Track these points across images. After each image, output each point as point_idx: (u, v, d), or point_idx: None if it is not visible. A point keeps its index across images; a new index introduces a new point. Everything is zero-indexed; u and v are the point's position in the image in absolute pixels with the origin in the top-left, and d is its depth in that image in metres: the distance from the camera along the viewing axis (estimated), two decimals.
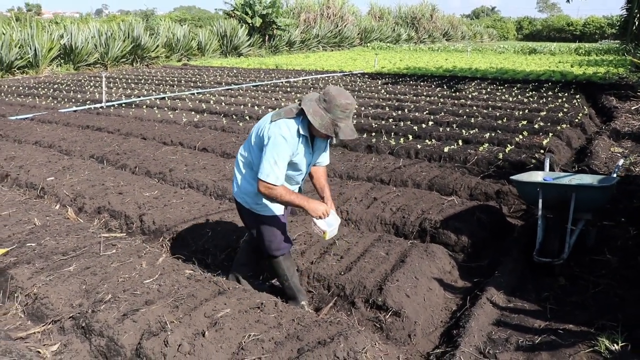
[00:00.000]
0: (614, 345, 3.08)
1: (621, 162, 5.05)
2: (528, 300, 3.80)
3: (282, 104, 12.32)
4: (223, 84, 17.36)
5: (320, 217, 3.38)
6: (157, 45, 27.32)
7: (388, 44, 44.99)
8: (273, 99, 13.49)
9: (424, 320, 3.63)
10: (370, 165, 6.95)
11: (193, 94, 14.98)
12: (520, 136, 8.39)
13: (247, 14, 34.17)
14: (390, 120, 10.26)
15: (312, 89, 15.03)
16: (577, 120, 9.86)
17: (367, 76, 19.37)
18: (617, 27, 32.84)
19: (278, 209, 3.57)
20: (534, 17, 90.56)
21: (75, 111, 12.17)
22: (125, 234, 5.04)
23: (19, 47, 21.49)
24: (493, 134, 8.55)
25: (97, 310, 3.36)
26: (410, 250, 4.29)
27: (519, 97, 13.15)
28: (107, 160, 7.56)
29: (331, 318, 3.38)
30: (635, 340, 3.12)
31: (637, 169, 6.99)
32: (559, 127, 8.97)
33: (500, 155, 7.10)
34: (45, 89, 16.28)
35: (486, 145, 7.85)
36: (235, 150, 7.83)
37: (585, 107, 11.51)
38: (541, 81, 16.76)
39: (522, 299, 3.81)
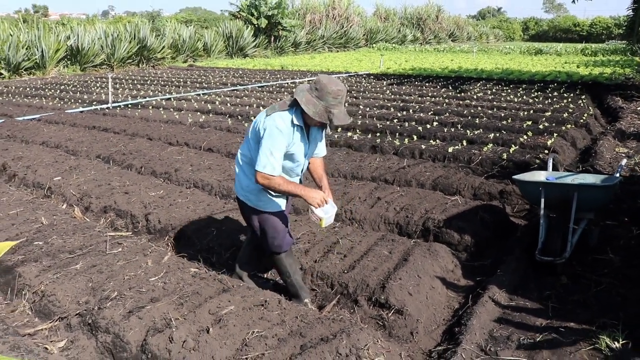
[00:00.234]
0: (614, 343, 3.10)
1: (624, 161, 5.06)
2: (530, 298, 3.82)
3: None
4: (229, 84, 17.43)
5: (318, 205, 3.42)
6: (163, 47, 27.44)
7: (394, 45, 45.01)
8: (278, 99, 13.53)
9: (427, 318, 3.66)
10: (374, 165, 6.98)
11: (199, 94, 15.05)
12: (525, 136, 8.41)
13: (252, 15, 34.26)
14: (395, 120, 10.29)
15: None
16: (582, 120, 9.86)
17: (372, 77, 19.40)
18: (623, 28, 32.73)
19: (280, 205, 3.61)
20: (540, 17, 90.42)
21: (81, 112, 12.25)
22: (131, 233, 5.10)
23: (26, 49, 21.64)
24: (497, 135, 8.56)
25: (103, 307, 3.41)
26: (413, 249, 4.32)
27: (524, 97, 13.15)
28: (113, 160, 7.62)
29: (334, 315, 3.42)
30: (636, 338, 3.13)
31: None
32: (563, 128, 8.98)
33: (505, 156, 7.12)
34: (52, 90, 16.39)
35: (490, 145, 7.86)
36: None
37: (590, 108, 11.50)
38: (547, 82, 16.74)
39: (524, 298, 3.84)
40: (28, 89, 16.99)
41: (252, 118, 10.81)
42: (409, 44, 48.53)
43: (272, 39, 35.16)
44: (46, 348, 3.20)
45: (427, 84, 16.66)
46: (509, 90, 14.65)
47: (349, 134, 9.04)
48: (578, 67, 22.23)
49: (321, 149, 3.78)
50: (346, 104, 11.31)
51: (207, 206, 5.48)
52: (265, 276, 4.31)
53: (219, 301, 3.42)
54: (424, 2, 57.86)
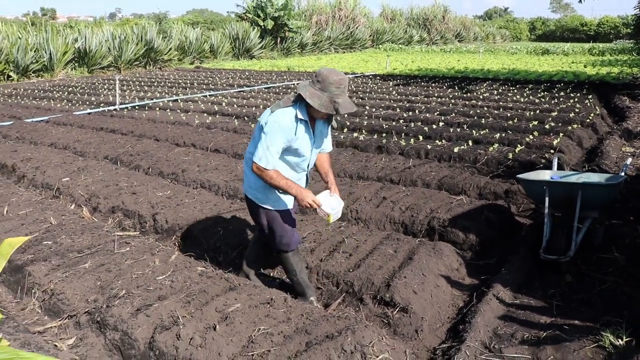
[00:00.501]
0: (618, 341, 3.11)
1: (629, 160, 5.06)
2: (534, 297, 3.84)
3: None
4: (235, 86, 17.50)
5: (306, 207, 3.44)
6: (170, 48, 27.59)
7: (400, 46, 45.02)
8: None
9: (431, 316, 3.69)
10: (380, 165, 7.01)
11: (205, 96, 15.12)
12: (531, 136, 8.41)
13: (259, 16, 34.36)
14: (401, 121, 10.31)
15: None
16: (588, 120, 9.84)
17: (378, 78, 19.43)
18: (631, 27, 32.61)
19: (287, 203, 3.64)
20: (548, 17, 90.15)
21: (89, 113, 12.34)
22: (138, 233, 5.15)
23: (35, 51, 21.82)
24: (503, 135, 8.57)
25: (112, 305, 3.46)
26: (418, 248, 4.35)
27: (531, 97, 13.14)
28: (121, 161, 7.69)
29: (339, 313, 3.45)
30: (639, 335, 3.15)
31: None
32: (570, 128, 8.97)
33: (510, 155, 7.13)
34: (60, 92, 16.51)
35: (496, 145, 7.87)
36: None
37: (597, 107, 11.47)
38: (553, 82, 16.71)
39: (528, 296, 3.85)
40: (36, 91, 17.13)
41: (259, 119, 10.84)
42: (416, 45, 48.50)
43: (279, 40, 35.25)
44: (56, 345, 3.25)
45: (433, 85, 16.66)
46: (516, 91, 14.63)
47: (355, 134, 9.07)
48: (585, 66, 22.16)
49: (327, 145, 3.81)
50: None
51: (214, 206, 5.52)
52: (271, 274, 4.35)
53: (225, 299, 3.46)
54: (431, 3, 57.89)
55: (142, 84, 18.85)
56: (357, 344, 2.97)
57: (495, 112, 10.94)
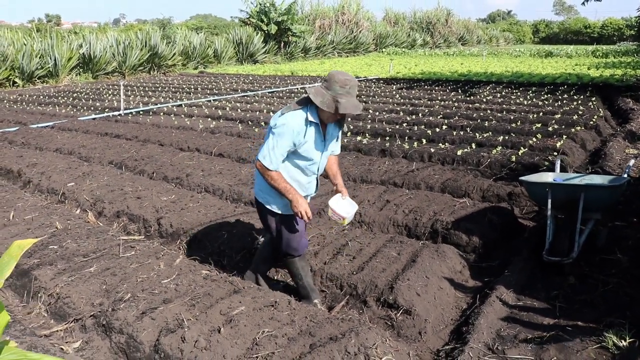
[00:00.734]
0: (621, 342, 3.12)
1: (632, 162, 5.08)
2: (537, 298, 3.85)
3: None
4: (239, 90, 17.56)
5: (298, 215, 3.44)
6: (174, 54, 27.71)
7: (403, 49, 45.06)
8: (288, 104, 13.59)
9: (435, 318, 3.70)
10: (383, 168, 7.03)
11: (209, 101, 15.18)
12: (534, 139, 8.41)
13: (262, 21, 34.48)
14: (404, 124, 10.32)
15: None
16: (592, 122, 9.84)
17: (382, 81, 19.46)
18: (635, 29, 32.57)
19: None
20: (551, 20, 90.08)
21: (94, 119, 12.41)
22: (143, 237, 5.18)
23: (40, 57, 21.97)
24: (507, 137, 8.57)
25: (117, 308, 3.49)
26: (422, 250, 4.37)
27: (534, 100, 13.14)
28: (126, 166, 7.73)
29: (343, 316, 3.47)
30: None
31: None
32: (573, 130, 8.97)
33: (513, 158, 7.14)
34: (65, 98, 16.61)
35: (499, 148, 7.88)
36: (251, 155, 7.97)
37: (600, 110, 11.47)
38: (557, 84, 16.69)
39: (531, 297, 3.87)
40: (41, 97, 17.23)
41: (263, 123, 10.91)
42: (419, 48, 48.54)
43: (282, 44, 35.35)
44: (62, 348, 3.28)
45: (436, 88, 16.68)
46: (519, 93, 14.64)
47: (359, 138, 9.10)
48: (589, 69, 22.14)
49: (336, 147, 3.81)
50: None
51: (218, 210, 5.56)
52: (275, 278, 4.37)
53: (230, 302, 3.48)
54: (434, 6, 57.90)
55: (147, 89, 18.93)
56: (361, 345, 2.99)
57: (499, 114, 10.94)
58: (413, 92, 15.81)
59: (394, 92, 15.69)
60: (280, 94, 16.19)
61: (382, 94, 15.49)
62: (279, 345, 3.05)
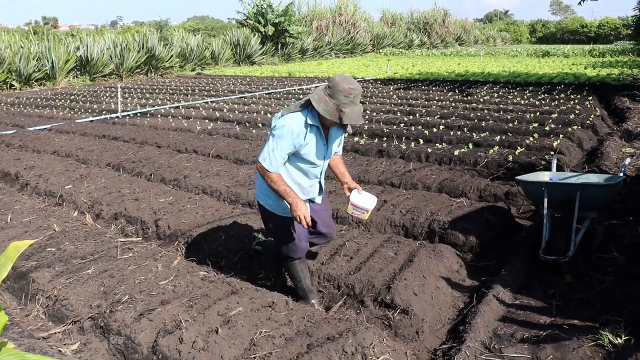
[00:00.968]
0: (617, 340, 3.14)
1: (628, 160, 5.09)
2: (534, 297, 3.87)
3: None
4: (236, 92, 17.57)
5: (296, 220, 3.39)
6: (171, 56, 27.72)
7: (400, 50, 45.13)
8: (286, 106, 13.61)
9: (432, 318, 3.71)
10: (381, 169, 7.04)
11: (207, 102, 15.19)
12: (531, 138, 8.43)
13: (259, 22, 34.52)
14: (402, 125, 10.34)
15: None
16: (588, 121, 9.87)
17: (379, 82, 19.48)
18: (631, 28, 32.67)
19: None
20: (548, 19, 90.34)
21: (91, 121, 12.42)
22: (141, 239, 5.19)
23: (37, 60, 21.96)
24: (504, 137, 8.59)
25: (115, 310, 3.50)
26: (419, 250, 4.38)
27: (531, 100, 13.16)
28: (123, 168, 7.74)
29: (340, 315, 3.48)
30: (638, 334, 3.17)
31: None
32: (570, 129, 8.99)
33: (510, 158, 7.16)
34: (62, 100, 16.61)
35: (496, 147, 7.90)
36: (249, 156, 7.98)
37: (597, 109, 11.50)
38: (554, 84, 16.73)
39: (528, 296, 3.88)
40: (39, 99, 17.23)
41: (260, 125, 10.92)
42: (416, 49, 48.61)
43: (279, 46, 35.38)
44: (60, 350, 3.29)
45: (433, 88, 16.71)
46: (516, 93, 14.67)
47: (356, 138, 9.11)
48: (585, 68, 22.20)
49: (339, 149, 3.77)
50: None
51: (216, 211, 5.56)
52: (273, 278, 4.37)
53: (227, 303, 3.49)
54: (431, 7, 57.97)
55: (144, 91, 18.94)
56: (358, 345, 3.00)
57: (496, 114, 10.97)
58: (410, 92, 15.83)
59: (392, 93, 15.72)
60: (278, 95, 16.21)
61: (380, 94, 15.51)
62: (276, 346, 3.06)
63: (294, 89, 17.59)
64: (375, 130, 9.66)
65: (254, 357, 2.99)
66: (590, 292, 3.87)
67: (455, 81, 18.86)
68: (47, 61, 22.13)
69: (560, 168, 6.31)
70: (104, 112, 13.62)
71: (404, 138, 9.02)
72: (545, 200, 4.41)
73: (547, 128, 9.19)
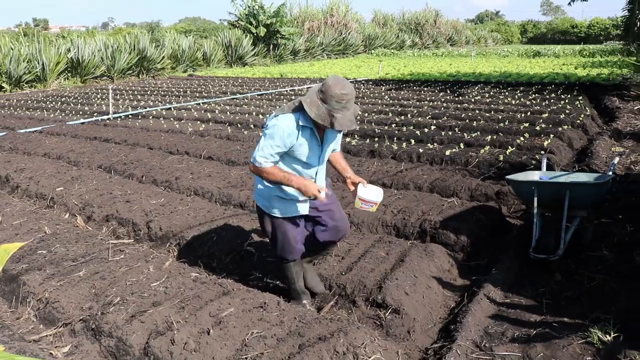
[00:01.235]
0: (606, 337, 3.17)
1: (616, 159, 5.13)
2: (524, 295, 3.90)
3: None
4: (228, 93, 17.55)
5: (310, 198, 3.37)
6: (163, 57, 27.66)
7: (392, 51, 45.21)
8: (278, 107, 13.62)
9: (423, 317, 3.73)
10: (372, 169, 7.06)
11: (198, 104, 15.16)
12: (522, 138, 8.48)
13: (251, 23, 34.50)
14: (393, 125, 10.37)
15: None
16: (578, 121, 9.93)
17: (371, 83, 19.51)
18: (621, 28, 32.89)
19: (296, 211, 3.56)
20: (538, 20, 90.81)
21: (82, 123, 12.37)
22: (132, 241, 5.18)
23: (27, 62, 21.85)
24: (495, 137, 8.63)
25: (106, 312, 3.49)
26: (410, 250, 4.40)
27: (522, 99, 13.23)
28: (115, 170, 7.72)
29: (332, 316, 3.49)
30: (627, 331, 3.21)
31: (637, 168, 7.07)
32: (560, 129, 9.04)
33: (501, 157, 7.20)
34: (53, 102, 16.54)
35: (487, 147, 7.94)
36: (240, 158, 7.98)
37: (587, 109, 11.57)
38: (544, 84, 16.82)
39: (518, 295, 3.91)
40: (29, 101, 17.14)
41: (252, 126, 10.92)
42: (408, 49, 48.71)
43: (271, 47, 35.36)
44: (51, 353, 3.28)
45: (425, 89, 16.76)
46: (507, 93, 14.73)
47: (348, 139, 9.13)
48: (576, 68, 22.33)
49: (337, 146, 3.73)
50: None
51: (208, 213, 5.56)
52: (265, 279, 4.38)
53: (219, 304, 3.50)
54: (422, 7, 58.15)
55: (135, 93, 18.88)
56: (350, 345, 3.01)
57: (487, 114, 11.01)
58: (402, 93, 15.87)
59: (383, 93, 15.75)
60: (270, 97, 16.20)
61: (371, 95, 15.54)
62: (268, 346, 3.06)
63: (286, 90, 17.60)
64: (367, 130, 9.68)
65: (246, 358, 3.00)
66: (580, 290, 3.91)
67: (446, 81, 18.92)
68: (38, 63, 22.03)
69: (550, 167, 6.35)
70: (95, 114, 13.57)
71: (395, 138, 9.04)
72: (535, 199, 4.44)
73: (537, 128, 9.24)
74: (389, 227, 5.23)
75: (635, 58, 19.88)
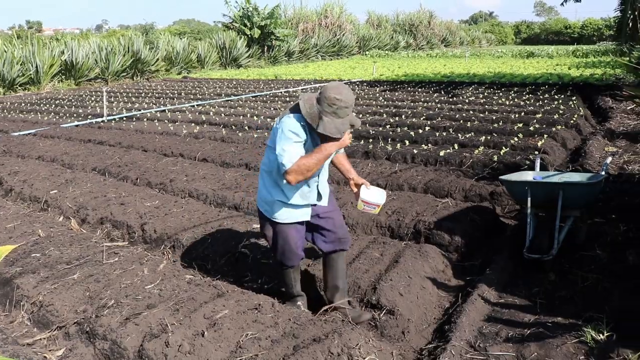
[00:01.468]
0: (599, 336, 3.19)
1: (609, 159, 5.15)
2: (518, 295, 3.91)
3: (281, 113, 12.45)
4: (222, 95, 17.54)
5: (342, 141, 3.25)
6: (157, 59, 27.60)
7: (386, 52, 45.26)
8: (272, 109, 13.65)
9: (417, 318, 3.74)
10: (367, 170, 7.07)
11: (193, 106, 15.14)
12: (516, 138, 8.51)
13: (245, 25, 34.48)
14: (388, 126, 10.38)
15: None
16: (572, 121, 9.97)
17: (365, 84, 19.53)
18: (614, 29, 33.06)
19: (298, 216, 3.51)
20: (532, 20, 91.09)
21: (77, 126, 12.34)
22: (127, 243, 5.17)
23: (21, 64, 21.78)
24: (489, 137, 8.66)
25: (101, 315, 3.48)
26: (404, 251, 4.41)
27: (516, 100, 13.27)
28: (109, 172, 7.70)
29: (326, 317, 3.49)
30: (620, 330, 3.23)
31: (630, 167, 7.10)
32: (554, 129, 9.07)
33: (495, 158, 7.22)
34: (47, 105, 16.49)
35: (482, 148, 7.96)
36: (235, 159, 7.98)
37: (581, 109, 11.62)
38: (538, 84, 16.88)
39: (512, 295, 3.92)
40: (23, 104, 17.08)
41: (246, 128, 10.92)
42: (402, 50, 48.79)
43: (266, 48, 35.35)
44: (45, 357, 3.27)
45: (419, 90, 16.79)
46: (501, 94, 14.77)
47: None
48: (569, 68, 22.41)
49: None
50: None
51: (202, 215, 5.56)
52: (259, 282, 4.38)
53: (213, 306, 3.49)
54: (416, 8, 58.21)
55: (130, 95, 18.85)
56: (344, 346, 3.02)
57: (481, 115, 11.04)
58: (396, 94, 15.90)
59: (377, 95, 15.77)
60: (264, 98, 16.20)
61: (366, 96, 15.55)
62: (262, 348, 3.07)
63: (281, 92, 17.60)
64: (361, 131, 9.69)
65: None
66: (574, 290, 3.93)
67: (441, 82, 18.96)
68: (32, 65, 21.96)
69: (544, 167, 6.38)
70: (89, 117, 13.54)
71: (389, 139, 9.06)
72: (529, 199, 4.46)
73: (531, 128, 9.27)
74: (384, 228, 5.23)
75: (627, 58, 19.99)
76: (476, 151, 7.74)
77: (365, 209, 3.59)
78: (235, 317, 3.36)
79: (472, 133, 9.23)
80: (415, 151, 7.87)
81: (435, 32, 56.73)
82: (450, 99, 13.97)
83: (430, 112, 11.77)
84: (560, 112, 11.00)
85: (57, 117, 13.78)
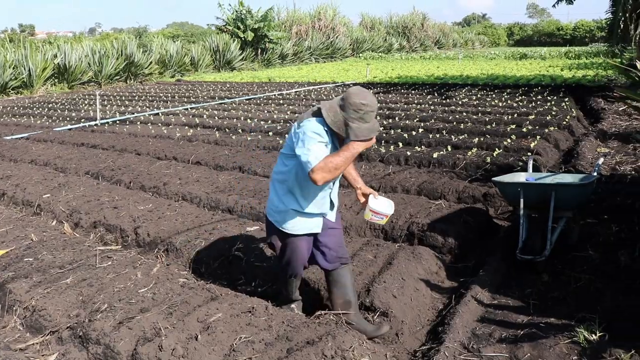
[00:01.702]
0: (592, 336, 3.20)
1: (601, 160, 5.18)
2: (512, 297, 3.93)
3: (275, 116, 12.47)
4: (216, 98, 17.52)
5: (368, 141, 3.16)
6: (150, 62, 27.57)
7: (380, 54, 45.34)
8: (266, 111, 13.64)
9: (411, 319, 3.75)
10: (360, 172, 7.07)
11: (186, 109, 15.13)
12: (509, 140, 8.54)
13: (239, 28, 34.50)
14: (381, 128, 10.40)
15: (304, 100, 15.19)
16: (565, 122, 10.02)
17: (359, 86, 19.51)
18: (605, 31, 33.27)
19: (308, 228, 3.44)
20: (525, 22, 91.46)
21: (70, 129, 12.31)
22: (120, 247, 5.16)
23: (13, 68, 21.71)
24: (482, 139, 8.69)
25: (94, 319, 3.47)
26: (398, 253, 4.41)
27: (509, 102, 13.32)
28: (102, 176, 7.68)
29: (320, 319, 3.49)
30: (612, 330, 3.24)
31: (621, 168, 7.14)
32: (546, 130, 9.12)
33: (488, 159, 7.24)
34: (40, 109, 16.43)
35: (475, 149, 7.99)
36: (228, 162, 7.97)
37: (573, 110, 11.68)
38: (531, 85, 16.95)
39: (506, 296, 3.94)
40: (16, 108, 17.03)
41: (240, 130, 10.91)
42: (395, 53, 48.88)
43: (259, 51, 35.37)
44: None
45: (413, 92, 16.83)
46: (494, 95, 14.83)
47: None
48: (562, 70, 22.53)
49: None
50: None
51: (196, 218, 5.55)
52: (253, 284, 4.37)
53: (207, 309, 3.49)
54: (410, 11, 58.34)
55: (123, 98, 18.81)
56: (338, 348, 3.02)
57: (474, 117, 11.08)
58: (390, 96, 15.92)
59: None
60: (258, 101, 16.19)
61: None
62: (256, 351, 3.06)
63: (274, 94, 17.60)
64: None
65: None
66: (566, 291, 3.95)
67: (434, 84, 19.02)
68: (24, 69, 21.89)
69: (537, 168, 6.40)
70: (82, 120, 13.51)
71: (383, 142, 9.07)
72: (521, 200, 4.48)
73: (524, 129, 9.31)
74: (377, 230, 5.24)
75: (619, 60, 20.11)
76: (469, 153, 7.76)
77: (373, 219, 3.55)
78: (229, 320, 3.36)
79: (466, 135, 9.25)
80: (408, 153, 7.89)
81: (429, 34, 56.90)
82: (444, 101, 14.01)
83: (424, 114, 11.80)
84: (553, 113, 11.05)
85: (50, 121, 13.73)
